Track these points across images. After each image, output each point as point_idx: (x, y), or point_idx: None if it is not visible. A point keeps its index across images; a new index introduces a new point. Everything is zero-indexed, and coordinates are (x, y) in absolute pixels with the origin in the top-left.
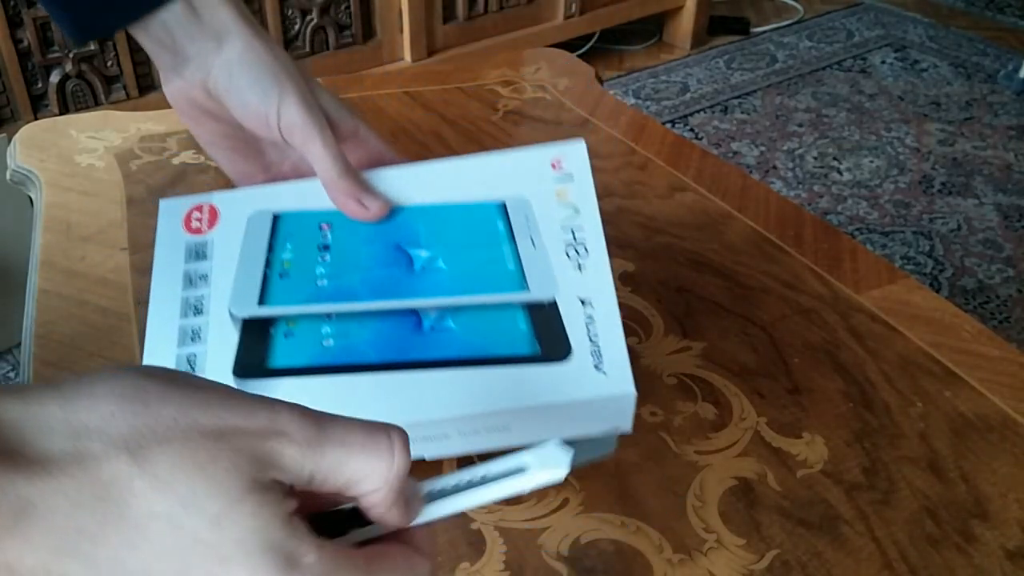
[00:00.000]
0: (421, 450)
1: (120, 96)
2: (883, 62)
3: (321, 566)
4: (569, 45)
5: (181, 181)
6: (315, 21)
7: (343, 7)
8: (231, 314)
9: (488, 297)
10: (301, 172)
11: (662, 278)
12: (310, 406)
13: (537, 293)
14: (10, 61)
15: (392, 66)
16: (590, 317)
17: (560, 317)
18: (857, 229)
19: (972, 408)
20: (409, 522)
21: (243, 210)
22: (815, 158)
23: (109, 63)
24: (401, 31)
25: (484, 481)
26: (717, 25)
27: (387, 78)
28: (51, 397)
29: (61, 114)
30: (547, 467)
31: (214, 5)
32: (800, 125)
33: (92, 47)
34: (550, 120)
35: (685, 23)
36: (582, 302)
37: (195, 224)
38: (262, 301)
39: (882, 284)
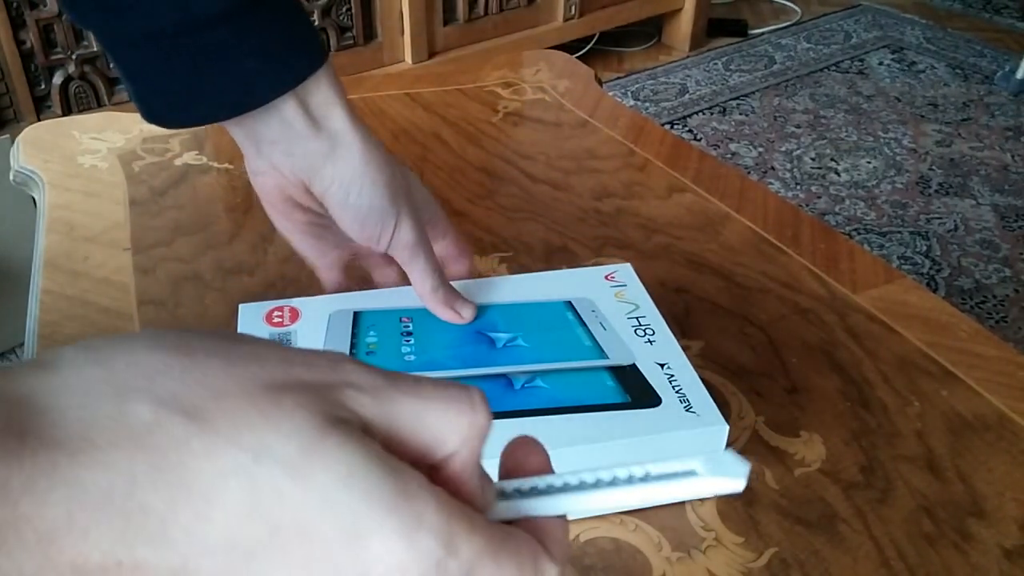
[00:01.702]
0: (517, 515)
1: (123, 97)
2: (880, 63)
3: (441, 514)
4: (568, 47)
5: (184, 182)
6: (316, 23)
7: (344, 9)
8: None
9: (573, 363)
10: (366, 252)
11: (661, 278)
12: None
13: (616, 359)
14: (13, 62)
15: (393, 68)
16: (670, 375)
17: (643, 375)
18: (855, 229)
19: (969, 407)
20: (487, 506)
21: (323, 309)
22: (813, 159)
23: (112, 64)
24: (402, 33)
25: (646, 479)
26: (715, 27)
27: (388, 79)
28: (86, 360)
29: (64, 115)
30: (725, 474)
31: (328, 103)
32: (798, 126)
33: (95, 48)
34: (550, 121)
35: (684, 25)
36: (659, 365)
37: (276, 319)
38: None
39: (879, 284)
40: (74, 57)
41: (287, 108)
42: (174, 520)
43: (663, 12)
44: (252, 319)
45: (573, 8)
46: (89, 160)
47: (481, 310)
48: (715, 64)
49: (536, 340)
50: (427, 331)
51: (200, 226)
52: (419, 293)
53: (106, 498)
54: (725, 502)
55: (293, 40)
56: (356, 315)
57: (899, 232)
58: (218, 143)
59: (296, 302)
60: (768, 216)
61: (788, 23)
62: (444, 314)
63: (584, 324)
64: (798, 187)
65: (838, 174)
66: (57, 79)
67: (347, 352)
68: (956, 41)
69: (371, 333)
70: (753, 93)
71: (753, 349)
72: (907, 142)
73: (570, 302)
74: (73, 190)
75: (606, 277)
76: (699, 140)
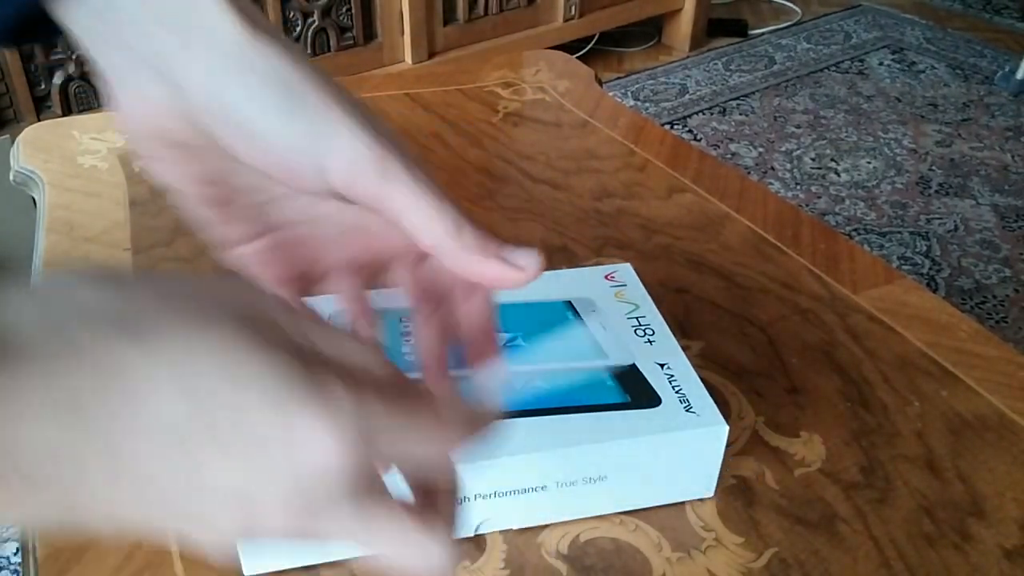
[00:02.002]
0: (517, 516)
1: None
2: (880, 64)
3: (351, 400)
4: (568, 47)
5: None
6: (316, 23)
7: (344, 9)
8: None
9: (573, 364)
10: (320, 238)
11: (661, 278)
12: None
13: (616, 359)
14: (13, 63)
15: (393, 68)
16: (670, 375)
17: (643, 375)
18: (855, 230)
19: (969, 407)
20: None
21: (323, 310)
22: (813, 159)
23: None
24: (402, 33)
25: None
26: (715, 27)
27: (388, 80)
28: (17, 290)
29: (64, 115)
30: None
31: None
32: (798, 126)
33: None
34: (550, 122)
35: (684, 25)
36: (659, 365)
37: None
38: None
39: (879, 284)
40: (74, 57)
41: None
42: (107, 410)
43: (663, 12)
44: None
45: (573, 8)
46: (89, 160)
47: None
48: (715, 64)
49: (536, 340)
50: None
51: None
52: (430, 241)
53: (45, 392)
54: (725, 502)
55: None
56: None
57: (899, 232)
58: None
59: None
60: (768, 216)
61: (788, 23)
62: (489, 271)
63: (584, 324)
64: (798, 187)
65: (838, 174)
66: (57, 79)
67: None
68: (956, 41)
69: None
70: (753, 93)
71: (753, 349)
72: (907, 142)
73: (570, 302)
74: (73, 190)
75: (606, 277)
76: (699, 140)
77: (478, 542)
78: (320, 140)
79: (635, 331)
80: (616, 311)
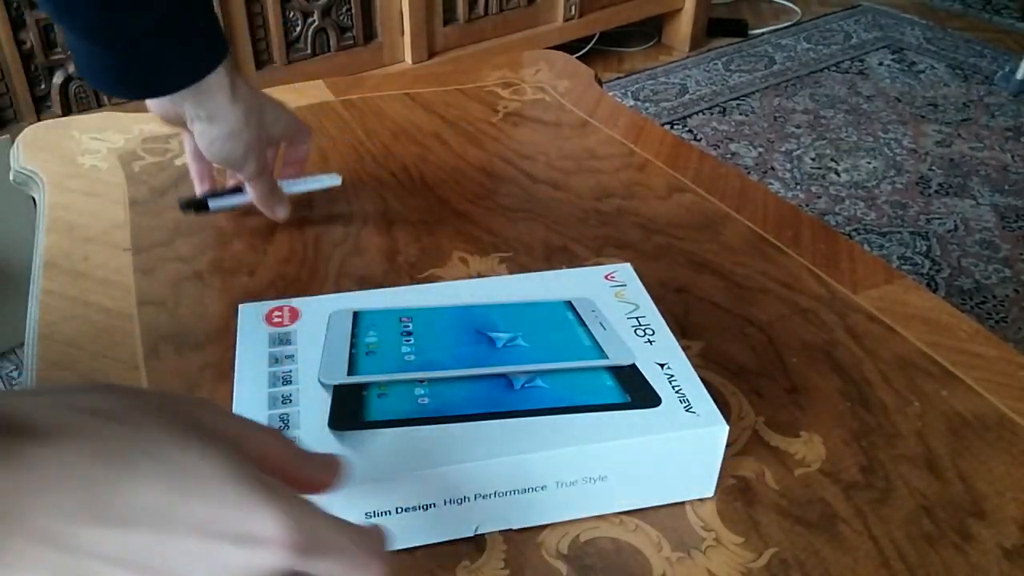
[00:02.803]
0: (517, 516)
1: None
2: (880, 64)
3: (300, 499)
4: (569, 47)
5: (183, 182)
6: (316, 23)
7: (344, 9)
8: (321, 383)
9: (572, 363)
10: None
11: (661, 278)
12: (407, 452)
13: (616, 359)
14: (13, 62)
15: (393, 68)
16: (670, 375)
17: (643, 375)
18: (854, 230)
19: (969, 407)
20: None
21: (323, 309)
22: (813, 159)
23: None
24: (402, 33)
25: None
26: (715, 27)
27: (388, 79)
28: (34, 391)
29: (64, 115)
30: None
31: (217, 87)
32: (798, 126)
33: None
34: (550, 122)
35: (684, 25)
36: (659, 365)
37: (276, 320)
38: (351, 373)
39: (879, 284)
40: None
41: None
42: (106, 480)
43: (663, 12)
44: (252, 319)
45: (573, 8)
46: (89, 160)
47: (481, 310)
48: (715, 64)
49: (536, 340)
50: (427, 331)
51: (200, 226)
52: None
53: (58, 474)
54: (725, 502)
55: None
56: (356, 315)
57: (899, 232)
58: None
59: (296, 302)
60: (768, 216)
61: (788, 23)
62: (267, 213)
63: (584, 324)
64: (798, 187)
65: (838, 174)
66: (57, 79)
67: (347, 351)
68: (956, 41)
69: (371, 333)
70: (753, 93)
71: (753, 349)
72: (907, 142)
73: (570, 302)
74: (73, 190)
75: (606, 277)
76: (699, 140)
77: (478, 542)
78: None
79: (635, 331)
80: (616, 311)
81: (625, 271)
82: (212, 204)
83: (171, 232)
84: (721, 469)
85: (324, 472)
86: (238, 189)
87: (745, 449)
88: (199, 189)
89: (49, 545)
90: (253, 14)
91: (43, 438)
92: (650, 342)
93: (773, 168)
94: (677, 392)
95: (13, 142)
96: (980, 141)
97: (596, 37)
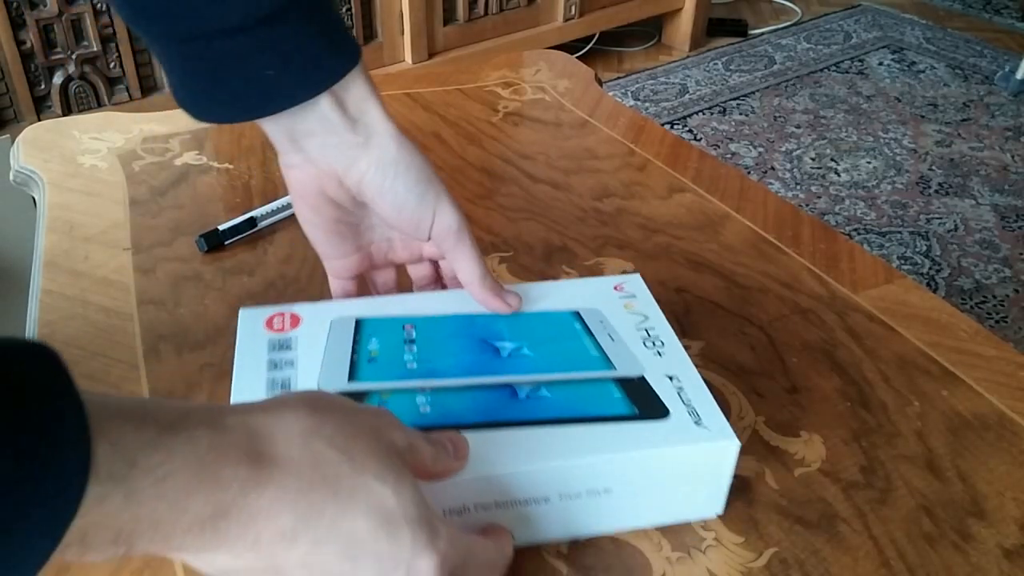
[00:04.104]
0: (518, 527)
1: (123, 97)
2: (880, 64)
3: (449, 538)
4: (569, 47)
5: (183, 182)
6: None
7: (344, 9)
8: (320, 389)
9: (579, 374)
10: (388, 252)
11: (661, 278)
12: None
13: (624, 371)
14: (13, 62)
15: (393, 67)
16: (680, 388)
17: (651, 387)
18: (854, 229)
19: (969, 407)
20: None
21: (324, 316)
22: (813, 159)
23: (112, 64)
24: (402, 33)
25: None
26: (715, 27)
27: (388, 79)
28: (277, 414)
29: (64, 115)
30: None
31: (362, 99)
32: (798, 126)
33: (95, 48)
34: (550, 121)
35: (684, 25)
36: (669, 378)
37: (277, 325)
38: (352, 380)
39: (879, 284)
40: (74, 57)
41: (323, 105)
42: (327, 512)
43: (663, 12)
44: (252, 324)
45: (573, 8)
46: (89, 160)
47: (486, 319)
48: (715, 64)
49: (542, 350)
50: (430, 339)
51: (200, 226)
52: (466, 281)
53: (291, 497)
54: (726, 501)
55: (327, 44)
56: (358, 323)
57: (899, 232)
58: (218, 143)
59: (297, 307)
60: (768, 216)
61: (788, 23)
62: (493, 304)
63: (592, 335)
64: (798, 187)
65: (838, 174)
66: (57, 79)
67: (348, 358)
68: (956, 41)
69: (373, 340)
70: (753, 93)
71: (753, 349)
72: (907, 142)
73: (578, 312)
74: (73, 190)
75: (615, 288)
76: (699, 140)
77: None
78: (431, 211)
79: (644, 343)
80: (625, 322)
81: (634, 282)
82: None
83: (171, 232)
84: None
85: (457, 460)
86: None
87: (745, 449)
88: (341, 288)
89: (258, 547)
90: None
91: (287, 467)
92: (659, 354)
93: (773, 168)
94: (687, 405)
95: (13, 142)
96: (980, 141)
97: (596, 37)
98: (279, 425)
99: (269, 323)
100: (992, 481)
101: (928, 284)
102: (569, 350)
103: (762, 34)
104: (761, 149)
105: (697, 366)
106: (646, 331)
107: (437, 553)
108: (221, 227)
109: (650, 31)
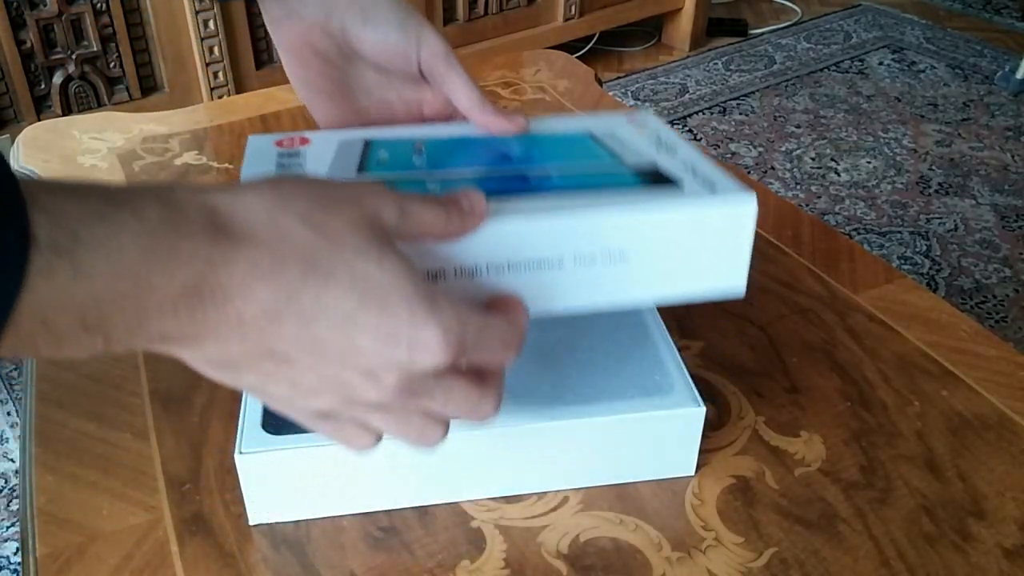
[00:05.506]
0: (531, 294)
1: (123, 97)
2: (880, 63)
3: (454, 311)
4: (568, 47)
5: (183, 181)
6: None
7: None
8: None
9: (590, 164)
10: (389, 114)
11: None
12: None
13: (636, 162)
14: (13, 62)
15: None
16: (693, 172)
17: (664, 171)
18: (855, 229)
19: (969, 407)
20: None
21: (334, 138)
22: (813, 159)
23: (112, 64)
24: None
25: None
26: (715, 27)
27: None
28: (243, 190)
29: (64, 115)
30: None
31: None
32: (798, 126)
33: (94, 48)
34: None
35: (684, 25)
36: (683, 165)
37: (286, 144)
38: (361, 172)
39: (879, 284)
40: (74, 57)
41: None
42: (305, 288)
43: (663, 12)
44: (260, 145)
45: (573, 8)
46: (89, 160)
47: (497, 140)
48: (715, 64)
49: (555, 157)
50: (440, 150)
51: None
52: (465, 107)
53: (267, 274)
54: (725, 502)
55: None
56: (367, 142)
57: (899, 232)
58: (218, 143)
59: (307, 133)
60: (768, 216)
61: (788, 23)
62: (498, 125)
63: (605, 146)
64: (798, 187)
65: (838, 174)
66: (57, 79)
67: (356, 162)
68: (956, 41)
69: (382, 151)
70: (753, 93)
71: (753, 349)
72: (907, 142)
73: (591, 133)
74: None
75: (628, 121)
76: (699, 140)
77: (478, 542)
78: (414, 39)
79: (657, 149)
80: (639, 141)
81: (646, 116)
82: None
83: None
84: (721, 469)
85: (471, 218)
86: None
87: (745, 449)
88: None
89: (242, 328)
90: (253, 14)
91: (254, 242)
92: (673, 154)
93: (773, 168)
94: (702, 179)
95: (13, 142)
96: (980, 141)
97: (596, 37)
98: (240, 202)
99: (279, 144)
100: (992, 481)
101: (928, 284)
102: (583, 155)
103: (762, 34)
104: (761, 149)
105: (697, 367)
106: (658, 139)
107: (439, 325)
108: None
109: (650, 31)
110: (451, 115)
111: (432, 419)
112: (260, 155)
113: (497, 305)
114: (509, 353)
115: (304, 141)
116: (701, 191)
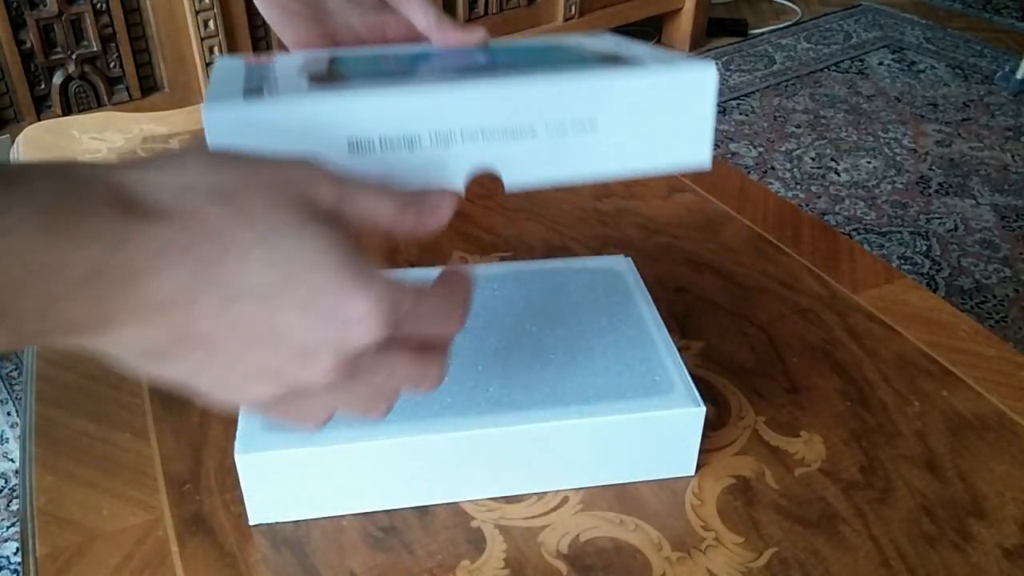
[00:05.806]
0: (507, 165)
1: (123, 97)
2: (880, 63)
3: (390, 283)
4: None
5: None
6: None
7: None
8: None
9: (556, 55)
10: (354, 40)
11: (661, 278)
12: (388, 82)
13: (599, 51)
14: (13, 62)
15: None
16: (655, 58)
17: (628, 57)
18: (855, 229)
19: (969, 407)
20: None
21: (300, 56)
22: (813, 159)
23: (112, 64)
24: None
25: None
26: (715, 27)
27: None
28: (153, 166)
29: (64, 115)
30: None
31: None
32: (798, 126)
33: (94, 48)
34: None
35: (684, 25)
36: (645, 55)
37: (254, 61)
38: (330, 70)
39: (879, 284)
40: (74, 57)
41: None
42: (220, 270)
43: (663, 12)
44: (228, 62)
45: (573, 8)
46: (89, 160)
47: (463, 51)
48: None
49: (521, 60)
50: (407, 57)
51: None
52: (424, 27)
53: (177, 253)
54: (725, 502)
55: None
56: (333, 58)
57: (899, 232)
58: None
59: (274, 55)
60: (768, 216)
61: (788, 23)
62: (456, 37)
63: (569, 48)
64: (798, 187)
65: (838, 174)
66: (57, 79)
67: (326, 64)
68: (956, 41)
69: (349, 63)
70: (753, 93)
71: (753, 349)
72: (907, 142)
73: (552, 43)
74: None
75: (587, 35)
76: None
77: (478, 542)
78: None
79: (617, 47)
80: (600, 42)
81: (605, 32)
82: None
83: None
84: (722, 469)
85: (431, 215)
86: None
87: (745, 449)
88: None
89: (158, 311)
90: (253, 13)
91: (163, 219)
92: (633, 50)
93: (773, 168)
94: (664, 60)
95: (13, 142)
96: (980, 141)
97: None
98: (148, 177)
99: (247, 61)
100: (992, 481)
101: (928, 284)
102: (548, 54)
103: (762, 34)
104: (761, 149)
105: (697, 366)
106: (618, 43)
107: (370, 298)
108: None
109: (650, 31)
110: (414, 40)
111: (379, 393)
112: (227, 72)
113: (442, 279)
114: (452, 325)
115: (270, 59)
116: (667, 64)
